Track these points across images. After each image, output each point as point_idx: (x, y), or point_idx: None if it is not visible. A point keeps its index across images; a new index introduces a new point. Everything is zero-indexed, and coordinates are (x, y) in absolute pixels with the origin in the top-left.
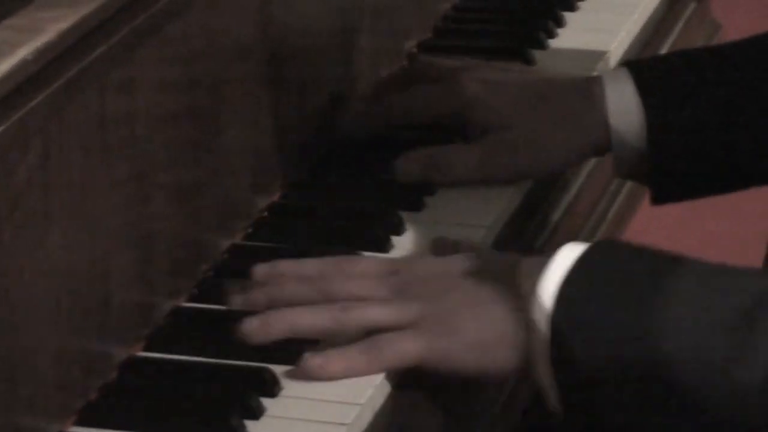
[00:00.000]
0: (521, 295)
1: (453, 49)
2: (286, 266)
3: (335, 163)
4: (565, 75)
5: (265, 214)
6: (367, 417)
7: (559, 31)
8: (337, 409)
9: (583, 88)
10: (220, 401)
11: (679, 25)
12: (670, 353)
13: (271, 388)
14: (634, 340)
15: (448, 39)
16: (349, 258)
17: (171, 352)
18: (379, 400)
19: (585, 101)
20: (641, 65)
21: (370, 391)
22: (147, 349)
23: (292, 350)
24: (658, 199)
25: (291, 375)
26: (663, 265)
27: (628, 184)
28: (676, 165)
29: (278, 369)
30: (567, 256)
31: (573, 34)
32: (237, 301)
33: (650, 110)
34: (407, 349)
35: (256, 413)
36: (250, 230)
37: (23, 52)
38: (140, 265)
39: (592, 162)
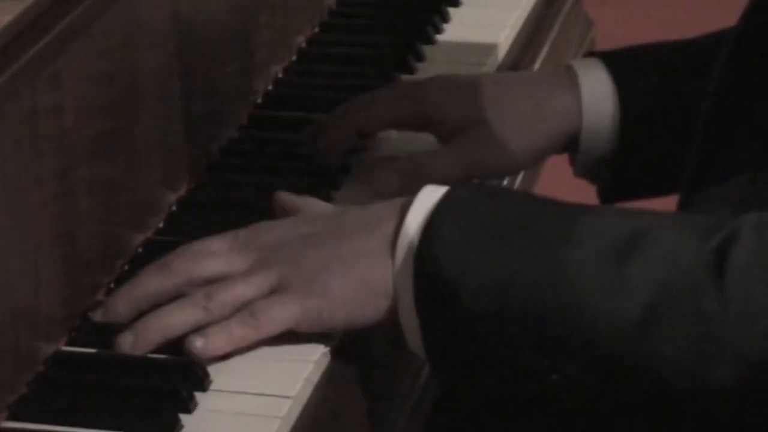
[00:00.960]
0: (384, 240)
1: (340, 44)
2: (142, 273)
3: (239, 157)
4: (529, 71)
5: (175, 208)
6: (297, 409)
7: (445, 26)
8: (269, 401)
9: (554, 79)
10: (152, 395)
11: (559, 20)
12: (537, 290)
13: (202, 382)
14: (503, 269)
15: (335, 34)
16: (198, 241)
17: (98, 346)
18: (307, 393)
19: (557, 91)
20: (613, 55)
21: (299, 383)
22: (72, 343)
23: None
24: (610, 197)
25: (219, 369)
26: (523, 203)
27: None
28: (643, 159)
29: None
30: (429, 194)
31: (459, 29)
32: (99, 317)
33: (624, 99)
34: (280, 313)
35: (189, 407)
36: (161, 225)
37: None
38: (64, 260)
39: None
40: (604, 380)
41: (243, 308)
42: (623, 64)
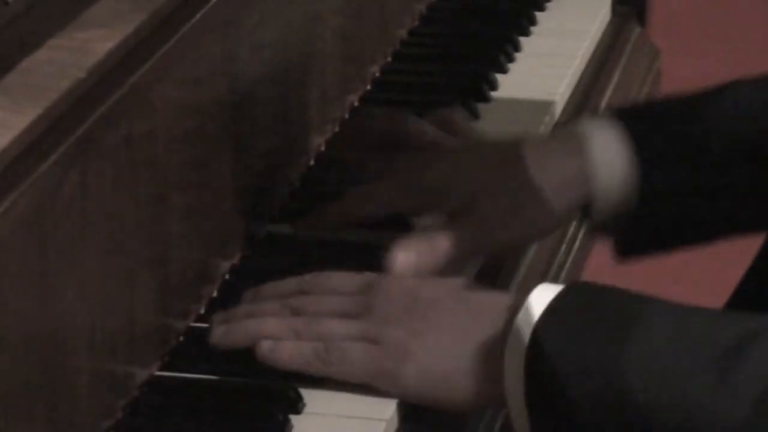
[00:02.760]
0: (493, 329)
1: (412, 73)
2: (267, 287)
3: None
4: (533, 138)
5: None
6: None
7: (517, 55)
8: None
9: (565, 141)
10: (248, 419)
11: (627, 49)
12: (635, 391)
13: (296, 405)
14: (608, 377)
15: (407, 63)
16: (325, 274)
17: (191, 372)
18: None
19: (569, 155)
20: (626, 112)
21: (392, 407)
22: (166, 368)
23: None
24: (626, 253)
25: (314, 393)
26: (635, 303)
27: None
28: (659, 215)
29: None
30: (541, 295)
31: (530, 58)
32: (219, 327)
33: (640, 160)
34: (354, 360)
35: (285, 430)
36: (246, 253)
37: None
38: (157, 287)
39: None
40: None
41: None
42: (636, 118)
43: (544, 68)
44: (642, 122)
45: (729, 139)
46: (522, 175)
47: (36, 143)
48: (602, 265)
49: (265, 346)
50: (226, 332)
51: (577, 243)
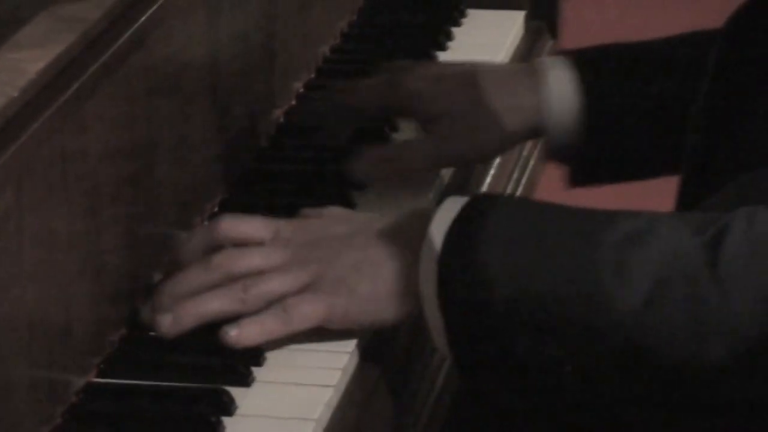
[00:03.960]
0: (408, 247)
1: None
2: (181, 253)
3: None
4: (500, 65)
5: None
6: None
7: None
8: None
9: (521, 75)
10: (182, 421)
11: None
12: (555, 287)
13: (229, 407)
14: (522, 279)
15: (330, 79)
16: (229, 221)
17: (126, 378)
18: (327, 416)
19: (524, 87)
20: (579, 53)
21: (320, 407)
22: (102, 375)
23: (243, 371)
24: (577, 181)
25: (245, 394)
26: (539, 208)
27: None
28: (606, 148)
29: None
30: (451, 205)
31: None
32: (164, 317)
33: (589, 93)
34: (311, 310)
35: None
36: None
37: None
38: (93, 295)
39: None
40: (611, 367)
41: (275, 302)
42: (588, 63)
43: None
44: (592, 63)
45: (662, 88)
46: (478, 99)
47: None
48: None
49: (232, 335)
50: (173, 321)
51: (530, 166)
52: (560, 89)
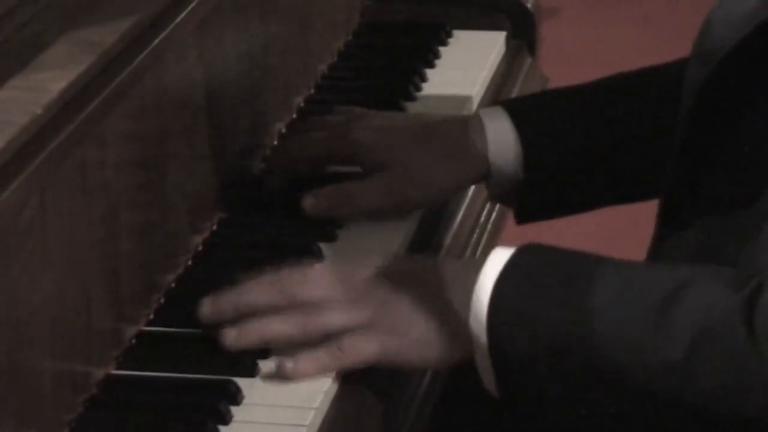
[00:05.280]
0: (462, 295)
1: (332, 103)
2: (248, 281)
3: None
4: (443, 116)
5: (200, 248)
6: (319, 418)
7: (423, 85)
8: (294, 412)
9: (464, 126)
10: (193, 409)
11: (520, 77)
12: (598, 336)
13: (236, 397)
14: (563, 327)
15: (329, 94)
16: (305, 268)
17: (143, 370)
18: (326, 404)
19: (466, 137)
20: (514, 103)
21: (320, 396)
22: (120, 367)
23: (249, 363)
24: (523, 219)
25: (251, 385)
26: (584, 261)
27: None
28: (544, 189)
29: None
30: (497, 257)
31: (435, 87)
32: (207, 311)
33: (525, 142)
34: (364, 349)
35: (226, 419)
36: (189, 263)
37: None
38: (111, 293)
39: (471, 190)
40: (654, 414)
41: (332, 337)
42: (524, 112)
43: (447, 96)
44: (526, 111)
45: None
46: (426, 150)
47: None
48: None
49: (289, 367)
50: (237, 336)
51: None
52: (500, 138)
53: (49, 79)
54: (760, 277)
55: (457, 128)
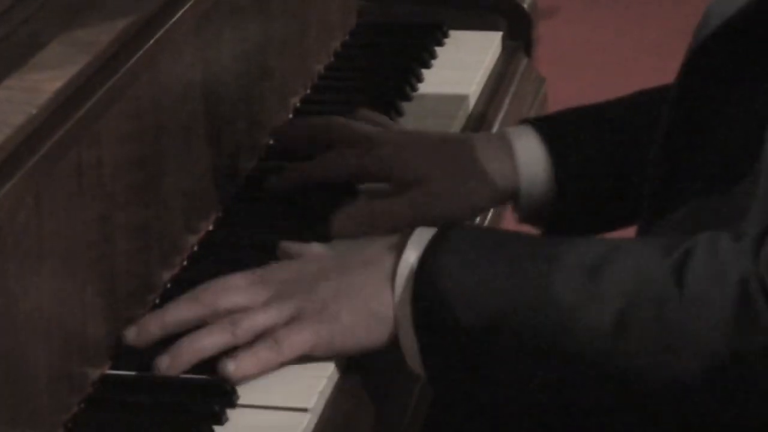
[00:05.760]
0: (384, 275)
1: (328, 103)
2: (176, 300)
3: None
4: (471, 134)
5: (196, 248)
6: (315, 418)
7: (419, 85)
8: (290, 413)
9: (492, 143)
10: (188, 410)
11: (516, 77)
12: (528, 302)
13: (231, 397)
14: (496, 291)
15: (324, 94)
16: (222, 277)
17: (137, 370)
18: (322, 404)
19: (495, 155)
20: (542, 122)
21: (315, 396)
22: (116, 367)
23: None
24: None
25: (246, 385)
26: (512, 234)
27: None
28: (578, 207)
29: None
30: (422, 232)
31: (431, 87)
32: (132, 338)
33: (555, 160)
34: (299, 339)
35: (221, 419)
36: (185, 263)
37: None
38: (106, 294)
39: None
40: (583, 383)
41: (265, 335)
42: (553, 130)
43: (443, 96)
44: (554, 129)
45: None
46: (455, 167)
47: None
48: None
49: (230, 369)
50: (171, 361)
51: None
52: (529, 156)
53: (45, 79)
54: (688, 243)
55: (485, 145)
